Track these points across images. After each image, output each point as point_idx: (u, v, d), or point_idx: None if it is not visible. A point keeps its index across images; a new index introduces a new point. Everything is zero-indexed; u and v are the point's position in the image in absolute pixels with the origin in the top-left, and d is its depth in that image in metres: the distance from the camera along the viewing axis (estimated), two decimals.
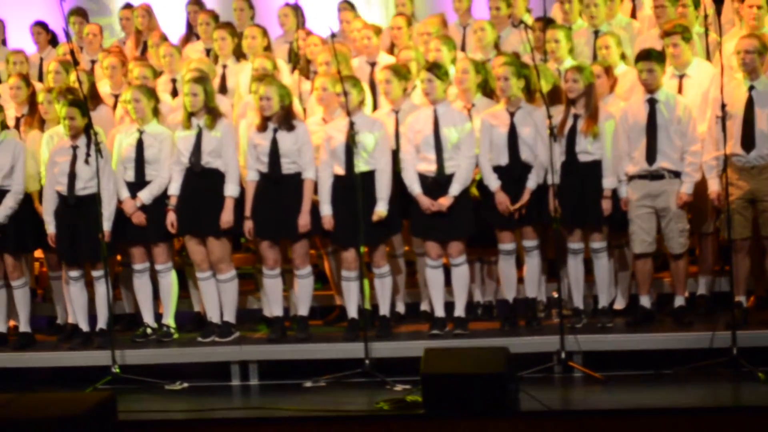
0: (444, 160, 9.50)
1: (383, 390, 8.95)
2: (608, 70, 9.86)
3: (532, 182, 9.52)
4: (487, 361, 8.18)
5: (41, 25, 12.55)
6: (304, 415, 8.46)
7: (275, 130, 9.66)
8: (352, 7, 11.96)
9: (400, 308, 10.34)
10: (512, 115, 9.55)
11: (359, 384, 9.19)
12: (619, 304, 9.95)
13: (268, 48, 11.13)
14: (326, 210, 9.66)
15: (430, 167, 9.54)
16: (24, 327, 10.25)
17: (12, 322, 10.41)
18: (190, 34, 12.47)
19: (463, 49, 11.28)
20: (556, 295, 9.61)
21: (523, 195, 9.49)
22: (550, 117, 9.18)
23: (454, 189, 9.48)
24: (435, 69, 9.59)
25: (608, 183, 9.47)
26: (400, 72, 9.83)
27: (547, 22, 10.67)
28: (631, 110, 9.49)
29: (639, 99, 9.51)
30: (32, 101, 10.52)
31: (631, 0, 11.77)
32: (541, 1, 10.56)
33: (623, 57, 10.24)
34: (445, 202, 9.47)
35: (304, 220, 9.63)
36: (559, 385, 9.08)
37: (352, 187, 9.39)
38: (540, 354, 9.19)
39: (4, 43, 12.65)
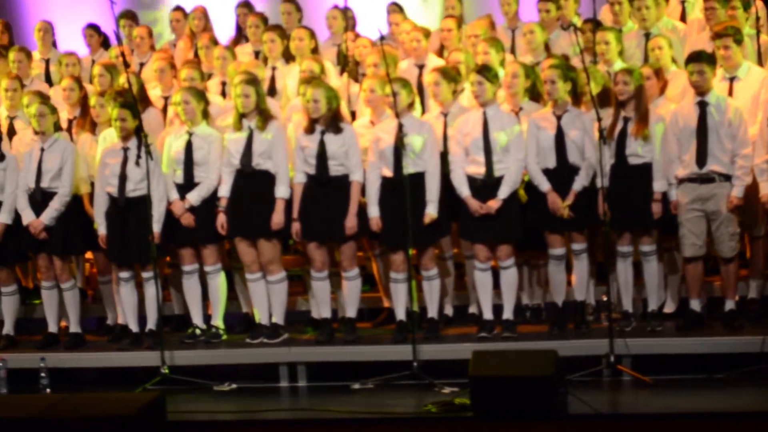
0: (493, 163, 9.48)
1: (431, 392, 8.94)
2: (659, 73, 9.81)
3: (578, 184, 9.49)
4: (535, 364, 8.17)
5: (93, 28, 12.61)
6: (351, 417, 8.47)
7: (323, 133, 9.67)
8: (401, 9, 11.95)
9: (449, 311, 10.33)
10: (559, 118, 9.53)
11: (407, 386, 9.19)
12: (669, 308, 9.91)
13: (315, 50, 11.16)
14: (374, 212, 9.67)
15: (479, 170, 9.52)
16: (74, 328, 10.32)
17: (63, 323, 10.48)
18: (239, 36, 12.51)
19: (512, 52, 11.25)
20: (605, 298, 9.56)
21: (569, 196, 9.46)
22: (599, 119, 9.15)
23: (503, 192, 9.46)
24: (484, 71, 9.57)
25: (658, 186, 9.42)
26: (450, 74, 9.83)
27: (596, 24, 10.64)
28: (682, 113, 9.43)
29: (689, 102, 9.46)
30: (84, 103, 10.58)
31: (680, 3, 11.70)
32: (590, 3, 10.52)
33: (674, 60, 10.18)
34: (494, 204, 9.45)
35: (351, 222, 9.64)
36: (608, 388, 9.04)
37: (400, 189, 9.39)
38: (589, 357, 9.14)
39: (54, 45, 12.71)
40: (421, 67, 10.84)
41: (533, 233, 9.63)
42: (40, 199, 10.09)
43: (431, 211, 9.52)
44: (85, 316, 10.60)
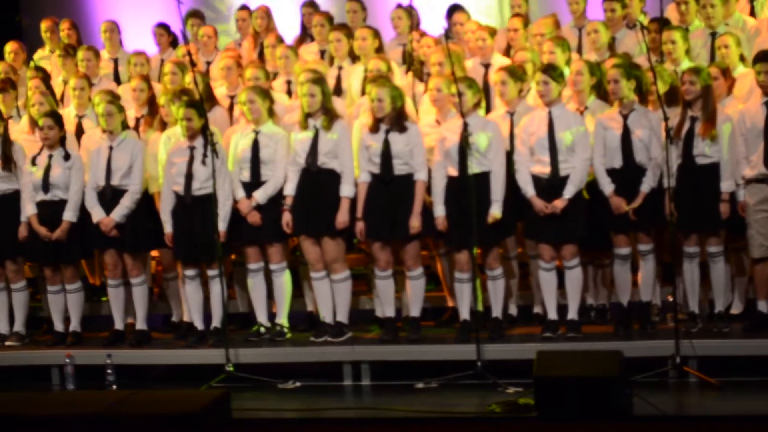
0: (558, 162, 9.44)
1: (495, 392, 8.93)
2: (726, 72, 9.72)
3: (646, 185, 9.42)
4: (600, 364, 8.13)
5: (163, 27, 12.70)
6: (415, 416, 8.47)
7: (387, 132, 9.68)
8: (463, 9, 11.90)
9: (513, 310, 10.29)
10: (625, 117, 9.46)
11: (471, 386, 9.17)
12: (736, 309, 9.82)
13: (379, 49, 11.16)
14: (439, 211, 9.66)
15: (544, 169, 9.48)
16: (141, 325, 10.40)
17: (129, 320, 10.56)
18: (305, 35, 12.54)
19: (579, 51, 11.20)
20: (671, 299, 9.49)
21: (636, 198, 9.40)
22: (666, 119, 9.08)
23: (569, 191, 9.42)
24: (550, 71, 9.53)
25: (726, 186, 9.34)
26: (516, 73, 9.80)
27: (663, 23, 10.56)
28: (749, 113, 9.35)
29: (756, 101, 9.37)
30: (152, 102, 10.66)
31: (749, 2, 11.58)
32: (656, 2, 10.45)
33: (742, 58, 10.09)
34: (559, 204, 9.41)
35: (415, 222, 9.64)
36: (674, 390, 8.97)
37: (466, 189, 9.38)
38: (654, 358, 9.08)
39: (120, 44, 12.81)
40: (486, 66, 10.82)
41: (598, 233, 9.58)
42: (109, 196, 10.17)
43: (495, 211, 9.50)
44: (151, 313, 10.66)
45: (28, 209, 10.33)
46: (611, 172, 9.49)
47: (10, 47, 12.50)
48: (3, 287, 10.62)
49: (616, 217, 9.44)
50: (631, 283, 9.68)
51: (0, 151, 10.45)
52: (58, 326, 10.52)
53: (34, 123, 10.64)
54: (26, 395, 8.93)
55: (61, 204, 10.27)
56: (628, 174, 9.46)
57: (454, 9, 11.84)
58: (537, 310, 10.19)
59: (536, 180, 9.51)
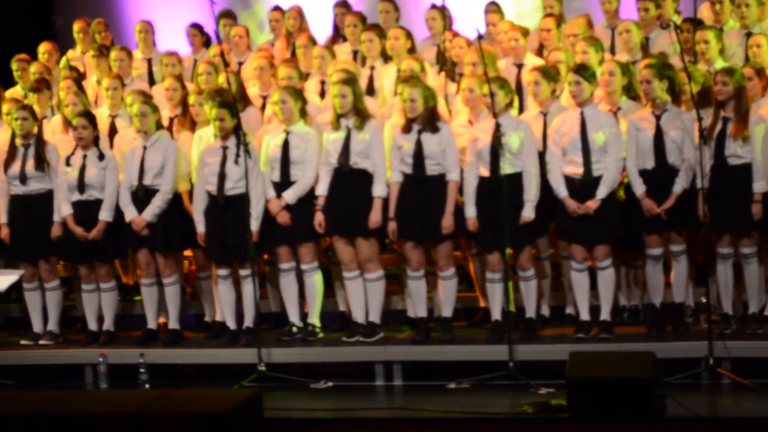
0: (591, 163, 9.41)
1: (527, 393, 8.92)
2: (760, 72, 9.66)
3: (678, 186, 9.38)
4: (633, 365, 8.12)
5: (197, 27, 12.72)
6: (447, 417, 8.47)
7: (420, 132, 9.68)
8: (499, 8, 11.91)
9: (545, 311, 10.28)
10: (658, 117, 9.43)
11: (503, 386, 9.16)
12: None
13: (412, 50, 11.15)
14: (471, 212, 9.65)
15: (577, 170, 9.46)
16: (173, 324, 10.43)
17: (162, 320, 10.60)
18: (337, 35, 12.55)
19: (612, 51, 11.16)
20: (704, 300, 9.46)
21: (669, 198, 9.36)
22: (699, 119, 9.04)
23: (602, 192, 9.39)
24: (582, 71, 9.50)
25: (758, 187, 9.29)
26: (549, 73, 9.78)
27: (696, 23, 10.51)
28: None
29: None
30: (186, 102, 10.68)
31: None
32: (690, 2, 10.40)
33: None
34: (592, 205, 9.38)
35: (447, 222, 9.63)
36: (707, 391, 8.94)
37: (497, 189, 9.37)
38: (687, 360, 9.05)
39: (154, 44, 12.85)
40: (519, 66, 10.81)
41: (631, 233, 9.54)
42: (142, 196, 10.21)
43: (528, 212, 9.48)
44: (183, 312, 10.69)
45: (64, 209, 10.38)
46: (643, 173, 9.45)
47: (43, 48, 12.55)
48: (36, 286, 10.67)
49: (649, 217, 9.40)
50: (664, 284, 9.63)
51: (34, 151, 10.50)
52: (92, 325, 10.57)
53: (67, 123, 10.70)
54: (59, 394, 8.96)
55: (97, 204, 10.31)
56: (660, 175, 9.42)
57: (489, 8, 11.84)
58: (569, 310, 10.16)
59: (569, 181, 9.48)
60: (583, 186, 9.43)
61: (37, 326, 10.72)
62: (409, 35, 11.22)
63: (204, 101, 10.31)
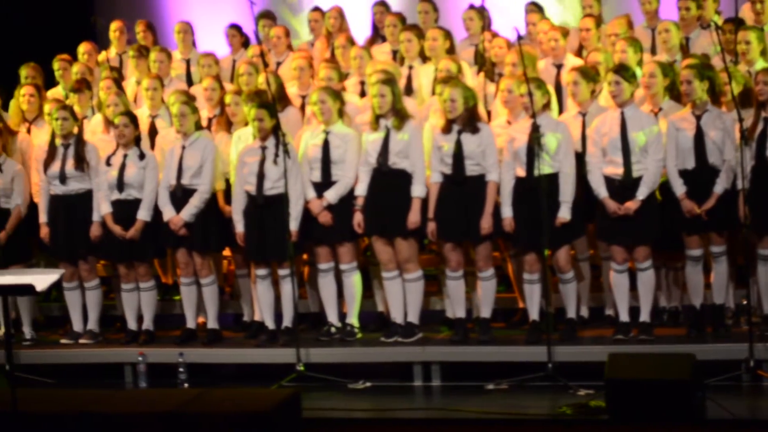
0: (631, 164, 9.37)
1: (566, 394, 8.89)
2: None
3: (719, 187, 9.33)
4: (673, 367, 8.09)
5: (236, 28, 12.76)
6: (485, 418, 8.46)
7: (459, 132, 9.66)
8: (539, 8, 11.88)
9: (584, 312, 10.24)
10: (698, 118, 9.37)
11: (542, 387, 9.14)
12: None
13: (450, 50, 11.14)
14: (507, 212, 9.62)
15: (617, 170, 9.42)
16: (212, 324, 10.46)
17: (201, 319, 10.63)
18: (376, 36, 12.56)
19: (652, 51, 11.11)
20: (745, 302, 9.40)
21: (709, 199, 9.31)
22: (740, 120, 8.99)
23: (642, 192, 9.34)
24: (622, 71, 9.46)
25: None
26: (588, 74, 9.75)
27: (737, 23, 10.45)
28: None
29: None
30: (223, 103, 10.71)
31: None
32: (731, 2, 10.34)
33: None
34: (632, 206, 9.34)
35: (487, 223, 9.61)
36: (748, 393, 8.88)
37: (534, 190, 9.34)
38: (728, 362, 8.99)
39: (193, 45, 12.89)
40: (558, 66, 10.79)
41: (671, 234, 9.50)
42: (180, 196, 10.24)
43: (564, 213, 9.45)
44: (222, 312, 10.72)
45: (103, 208, 10.42)
46: (684, 174, 9.40)
47: (83, 48, 12.62)
48: (76, 286, 10.73)
49: (689, 218, 9.35)
50: (704, 285, 9.58)
51: (73, 150, 10.55)
52: (132, 324, 10.61)
53: (108, 123, 10.75)
54: (99, 393, 9.01)
55: (136, 203, 10.35)
56: (700, 175, 9.37)
57: (529, 8, 11.82)
58: (609, 312, 10.12)
59: (609, 181, 9.44)
60: (623, 186, 9.39)
61: (77, 325, 10.78)
62: (447, 35, 11.21)
63: (243, 102, 10.34)
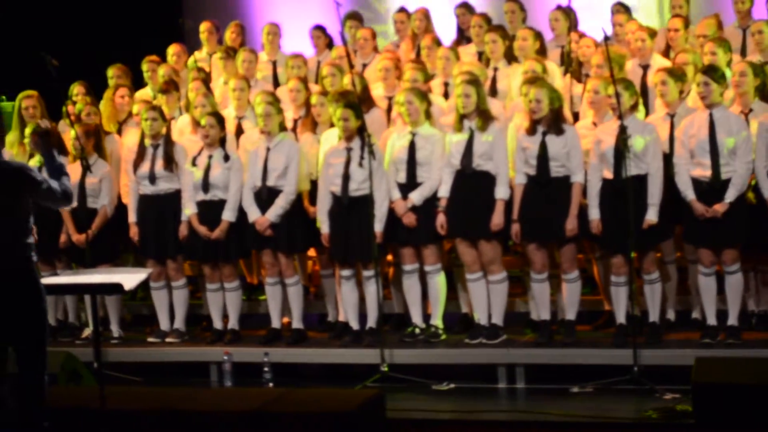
0: (720, 166, 9.27)
1: (652, 398, 8.82)
2: None
3: None
4: (761, 372, 7.98)
5: (320, 29, 12.81)
6: (570, 421, 8.41)
7: (544, 134, 9.62)
8: (626, 9, 11.78)
9: (671, 315, 10.14)
10: None
11: (627, 391, 9.07)
12: None
13: (541, 51, 11.09)
14: (594, 214, 9.56)
15: (705, 172, 9.32)
16: (297, 324, 10.50)
17: (285, 319, 10.68)
18: (461, 38, 12.53)
19: (743, 52, 10.97)
20: None
21: None
22: None
23: (730, 195, 9.24)
24: (711, 72, 9.36)
25: None
26: (677, 74, 9.66)
27: None
28: None
29: None
30: (309, 104, 10.75)
31: None
32: None
33: None
34: (720, 208, 9.24)
35: (571, 224, 9.56)
36: None
37: (621, 192, 9.27)
38: None
39: (279, 47, 12.96)
40: (645, 67, 10.69)
41: (760, 237, 9.37)
42: (265, 197, 10.29)
43: (651, 216, 9.36)
44: (306, 312, 10.76)
45: (189, 208, 10.52)
46: None
47: (172, 49, 12.74)
48: (164, 285, 10.84)
49: None
50: None
51: (162, 151, 10.66)
52: (217, 324, 10.70)
53: (196, 123, 10.84)
54: (185, 391, 9.09)
55: (221, 204, 10.43)
56: None
57: (616, 9, 11.72)
58: (695, 315, 10.02)
59: (696, 183, 9.35)
60: (711, 189, 9.29)
61: (164, 324, 10.89)
62: (538, 36, 11.17)
63: (328, 102, 10.38)
